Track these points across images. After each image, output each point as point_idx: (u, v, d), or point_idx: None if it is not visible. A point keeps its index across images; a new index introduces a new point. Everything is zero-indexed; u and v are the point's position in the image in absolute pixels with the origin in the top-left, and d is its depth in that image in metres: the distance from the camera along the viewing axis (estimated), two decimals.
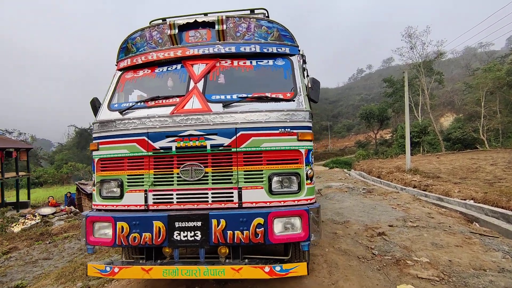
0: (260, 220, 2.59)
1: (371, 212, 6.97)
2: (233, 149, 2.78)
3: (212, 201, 2.79)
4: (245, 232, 2.58)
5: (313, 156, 2.98)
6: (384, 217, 6.39)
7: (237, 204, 2.76)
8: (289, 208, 2.67)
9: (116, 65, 3.63)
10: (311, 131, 2.93)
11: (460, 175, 14.08)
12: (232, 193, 2.77)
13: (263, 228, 2.58)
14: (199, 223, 2.62)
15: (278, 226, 2.64)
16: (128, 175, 2.92)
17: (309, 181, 2.84)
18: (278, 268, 2.52)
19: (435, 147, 32.80)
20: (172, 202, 2.83)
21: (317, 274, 3.51)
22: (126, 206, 2.90)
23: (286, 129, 2.80)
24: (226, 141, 2.79)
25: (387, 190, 11.60)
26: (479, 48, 69.31)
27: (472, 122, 33.89)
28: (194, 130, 2.81)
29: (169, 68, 3.40)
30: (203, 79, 3.15)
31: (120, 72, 3.57)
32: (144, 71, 3.49)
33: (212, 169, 2.81)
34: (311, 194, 2.85)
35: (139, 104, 3.13)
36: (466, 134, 32.53)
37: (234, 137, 2.79)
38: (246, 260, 2.71)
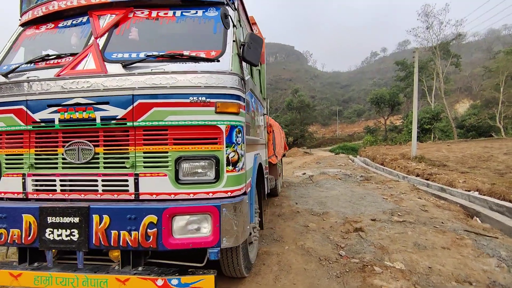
0: (153, 218, 1.93)
1: (358, 203, 6.26)
2: (129, 123, 2.09)
3: (103, 190, 2.14)
4: (133, 233, 1.94)
5: (241, 135, 2.26)
6: (370, 209, 5.67)
7: (133, 196, 2.11)
8: (195, 203, 2.00)
9: (20, 19, 2.94)
10: (238, 101, 2.21)
11: (469, 164, 13.05)
12: (127, 181, 2.11)
13: (155, 229, 1.93)
14: (76, 219, 1.99)
15: (178, 227, 1.98)
16: (6, 155, 2.30)
17: (230, 167, 2.14)
18: (175, 281, 1.90)
19: (448, 134, 31.24)
20: (55, 190, 2.20)
21: (259, 280, 2.88)
22: (2, 194, 2.29)
23: (200, 98, 2.08)
24: (120, 112, 2.10)
25: (386, 178, 10.79)
26: (503, 30, 64.73)
27: (489, 108, 31.92)
28: (81, 97, 2.13)
29: (74, 22, 2.68)
30: (107, 33, 2.43)
31: (21, 28, 2.89)
32: (47, 26, 2.79)
33: (104, 149, 2.15)
34: (235, 184, 2.16)
35: (28, 65, 2.45)
36: (481, 121, 30.75)
37: (131, 107, 2.09)
38: (140, 268, 2.08)
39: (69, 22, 2.71)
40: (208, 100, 2.09)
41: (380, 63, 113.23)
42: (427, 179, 10.55)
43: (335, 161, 19.29)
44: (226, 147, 2.12)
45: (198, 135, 2.11)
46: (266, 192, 4.24)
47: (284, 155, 8.96)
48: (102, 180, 2.14)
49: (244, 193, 2.28)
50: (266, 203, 6.57)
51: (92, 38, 2.41)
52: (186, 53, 2.24)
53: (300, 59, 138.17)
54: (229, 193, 2.12)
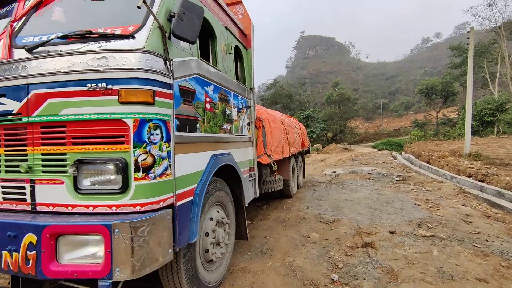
0: (32, 237, 1.53)
1: (380, 209, 5.32)
2: (24, 119, 1.72)
3: (3, 198, 1.81)
4: (14, 254, 1.56)
5: (161, 132, 1.75)
6: (393, 218, 4.74)
7: (29, 206, 1.74)
8: (86, 221, 1.54)
9: None
10: (152, 87, 1.69)
11: None
12: (24, 188, 1.75)
13: (35, 251, 1.52)
14: None
15: (63, 250, 1.55)
16: None
17: (141, 173, 1.65)
18: None
19: None
20: None
21: None
22: None
23: (100, 85, 1.62)
24: (15, 105, 1.74)
25: (427, 179, 9.36)
26: None
27: None
28: None
29: (7, 8, 2.42)
30: (25, 16, 2.10)
31: None
32: None
33: (5, 150, 1.81)
34: (148, 196, 1.66)
35: None
36: None
37: (25, 99, 1.72)
38: None
39: (3, 10, 2.45)
40: (109, 87, 1.62)
41: (432, 50, 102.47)
42: (481, 181, 8.84)
43: (373, 158, 17.66)
44: (135, 147, 1.63)
45: (101, 132, 1.65)
46: (255, 196, 3.67)
47: (302, 152, 8.20)
48: (2, 187, 1.81)
49: (167, 207, 1.78)
50: (274, 206, 5.98)
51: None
52: (101, 30, 1.79)
53: (342, 51, 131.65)
54: (138, 208, 1.64)
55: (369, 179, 9.07)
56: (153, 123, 1.69)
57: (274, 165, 4.10)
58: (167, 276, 2.11)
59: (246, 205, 3.23)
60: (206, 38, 2.68)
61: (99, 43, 1.74)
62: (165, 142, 1.77)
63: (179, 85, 1.93)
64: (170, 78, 1.83)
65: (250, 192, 3.47)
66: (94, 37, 1.76)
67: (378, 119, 65.91)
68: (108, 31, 1.78)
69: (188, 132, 2.04)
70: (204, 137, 2.28)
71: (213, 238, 2.48)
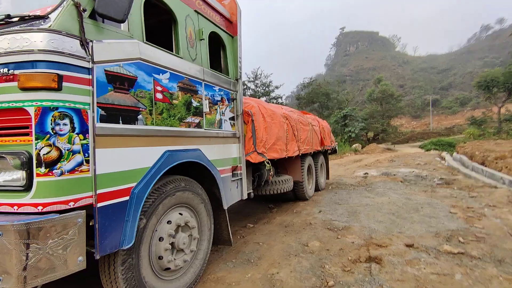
0: None
1: (404, 217, 4.59)
2: None
3: None
4: None
5: (71, 121, 1.53)
6: (417, 228, 4.03)
7: None
8: None
9: None
10: (57, 71, 1.48)
11: None
12: None
13: None
14: None
15: None
16: None
17: (43, 169, 1.44)
18: None
19: None
20: None
21: None
22: None
23: (2, 70, 1.46)
24: None
25: (476, 183, 8.05)
26: None
27: None
28: None
29: None
30: None
31: None
32: None
33: None
34: (53, 194, 1.46)
35: None
36: None
37: None
38: None
39: None
40: (11, 72, 1.45)
41: (494, 39, 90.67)
42: None
43: (415, 159, 15.97)
44: (36, 139, 1.44)
45: (4, 122, 1.49)
46: (241, 198, 3.34)
47: (323, 152, 7.59)
48: None
49: (82, 208, 1.55)
50: (285, 209, 5.56)
51: None
52: (27, 13, 1.64)
53: (386, 45, 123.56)
54: (39, 208, 1.44)
55: (401, 181, 8.09)
56: (59, 112, 1.48)
57: (268, 164, 3.72)
58: (107, 285, 1.90)
59: (226, 208, 2.92)
60: (169, 23, 2.44)
61: (19, 27, 1.59)
62: (78, 134, 1.55)
63: (105, 70, 1.70)
64: (88, 62, 1.61)
65: (233, 193, 3.15)
66: (15, 21, 1.62)
67: (427, 116, 60.29)
68: (31, 14, 1.62)
69: (122, 124, 1.81)
70: (151, 130, 2.03)
71: (169, 244, 2.22)
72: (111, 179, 1.72)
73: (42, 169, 1.44)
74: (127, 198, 1.82)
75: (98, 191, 1.64)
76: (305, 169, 5.93)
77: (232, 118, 3.19)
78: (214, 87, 2.85)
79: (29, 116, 1.44)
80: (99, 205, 1.64)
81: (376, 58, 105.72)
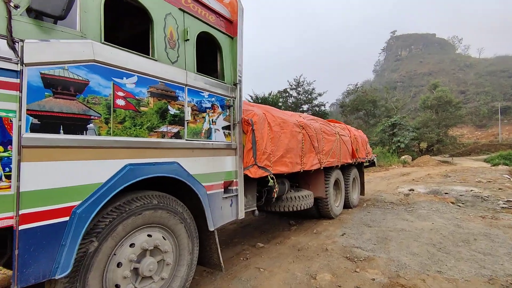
0: None
1: (449, 250, 3.73)
2: None
3: None
4: None
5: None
6: (464, 268, 3.20)
7: None
8: None
9: None
10: None
11: None
12: None
13: None
14: None
15: None
16: None
17: None
18: None
19: None
20: None
21: None
22: None
23: None
24: None
25: None
26: None
27: None
28: None
29: None
30: None
31: None
32: None
33: None
34: None
35: None
36: None
37: None
38: None
39: None
40: None
41: None
42: None
43: (477, 175, 13.78)
44: None
45: None
46: (237, 217, 2.96)
47: (356, 165, 6.81)
48: None
49: None
50: (305, 227, 5.01)
51: None
52: None
53: (445, 48, 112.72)
54: None
55: (452, 203, 6.87)
56: None
57: (272, 179, 3.28)
58: None
59: (212, 229, 2.57)
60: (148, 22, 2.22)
61: None
62: None
63: (41, 73, 1.51)
64: (16, 64, 1.42)
65: (225, 212, 2.79)
66: None
67: (495, 126, 52.83)
68: None
69: (63, 134, 1.59)
70: (105, 141, 1.79)
71: (130, 271, 1.94)
72: (43, 197, 1.50)
73: None
74: (66, 218, 1.59)
75: (22, 211, 1.42)
76: (330, 184, 5.30)
77: (227, 127, 2.85)
78: (202, 92, 2.56)
79: None
80: (22, 227, 1.42)
81: (432, 62, 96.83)
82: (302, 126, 4.09)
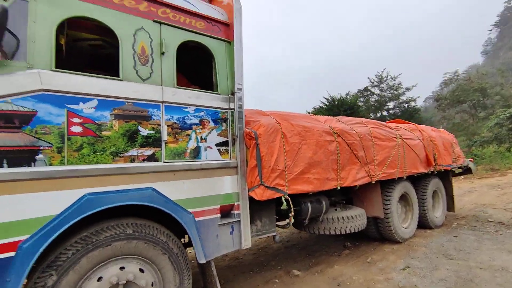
0: None
1: None
2: None
3: None
4: None
5: None
6: None
7: None
8: None
9: None
10: None
11: None
12: None
13: None
14: None
15: None
16: None
17: None
18: None
19: None
20: None
21: None
22: None
23: None
24: None
25: None
26: None
27: None
28: None
29: None
30: None
31: None
32: None
33: None
34: None
35: None
36: None
37: None
38: None
39: None
40: None
41: None
42: None
43: None
44: None
45: None
46: (240, 247, 2.55)
47: (437, 174, 5.38)
48: None
49: None
50: (360, 252, 4.19)
51: None
52: None
53: None
54: None
55: None
56: None
57: (288, 201, 2.73)
58: None
59: (202, 261, 2.26)
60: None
61: None
62: None
63: None
64: None
65: (222, 241, 2.42)
66: None
67: None
68: None
69: (7, 168, 1.57)
70: (57, 171, 1.71)
71: None
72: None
73: None
74: (11, 254, 1.56)
75: None
76: (392, 201, 4.28)
77: (223, 144, 2.52)
78: (185, 108, 2.31)
79: None
80: None
81: None
82: (336, 133, 3.39)
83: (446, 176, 5.86)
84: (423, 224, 5.07)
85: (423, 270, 3.39)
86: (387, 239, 4.49)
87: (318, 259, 4.06)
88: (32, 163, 1.66)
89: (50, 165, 1.71)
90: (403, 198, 4.71)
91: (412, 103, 30.18)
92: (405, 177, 4.45)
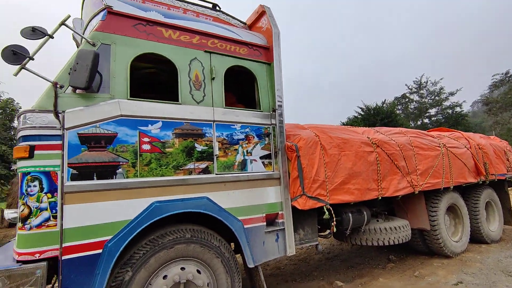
0: None
1: None
2: None
3: None
4: None
5: (40, 183, 1.80)
6: None
7: None
8: None
9: None
10: (28, 142, 1.83)
11: None
12: None
13: None
14: None
15: None
16: None
17: (20, 224, 1.76)
18: None
19: None
20: None
21: None
22: None
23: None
24: None
25: None
26: None
27: None
28: None
29: None
30: None
31: None
32: None
33: None
34: (25, 246, 1.75)
35: None
36: None
37: None
38: None
39: None
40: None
41: None
42: None
43: None
44: (19, 199, 1.78)
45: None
46: (285, 254, 2.69)
47: (488, 183, 5.03)
48: None
49: (46, 260, 1.74)
50: (406, 266, 4.07)
51: None
52: None
53: None
54: (16, 256, 1.73)
55: None
56: (31, 176, 1.78)
57: (330, 210, 2.82)
58: None
59: (251, 266, 2.44)
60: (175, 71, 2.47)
61: None
62: (46, 193, 1.78)
63: (78, 134, 1.91)
64: (59, 129, 1.86)
65: (269, 247, 2.59)
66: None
67: None
68: None
69: (96, 180, 1.93)
70: (133, 182, 2.04)
71: None
72: (81, 233, 1.85)
73: (20, 224, 1.76)
74: (98, 251, 1.89)
75: (65, 244, 1.79)
76: (439, 212, 4.11)
77: (266, 156, 2.73)
78: (233, 125, 2.57)
79: (19, 180, 1.83)
80: (65, 257, 1.78)
81: None
82: (375, 144, 3.43)
83: (501, 187, 5.44)
84: (477, 238, 4.74)
85: (479, 286, 3.21)
86: (435, 253, 4.28)
87: (361, 271, 4.00)
88: (114, 176, 2.01)
89: (127, 177, 2.05)
90: (452, 210, 4.48)
91: (457, 109, 28.15)
92: (452, 187, 4.26)
